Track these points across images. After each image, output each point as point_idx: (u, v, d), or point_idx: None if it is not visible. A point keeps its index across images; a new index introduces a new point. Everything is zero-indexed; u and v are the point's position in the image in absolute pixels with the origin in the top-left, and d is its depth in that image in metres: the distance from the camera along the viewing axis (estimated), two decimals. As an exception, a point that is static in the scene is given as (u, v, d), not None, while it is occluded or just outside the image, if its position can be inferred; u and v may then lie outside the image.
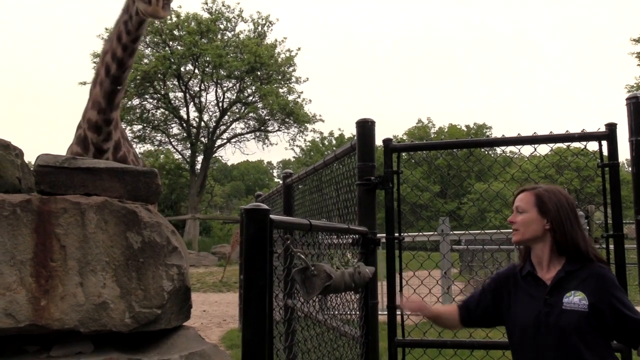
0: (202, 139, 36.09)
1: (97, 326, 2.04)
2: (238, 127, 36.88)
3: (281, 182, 6.42)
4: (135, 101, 33.67)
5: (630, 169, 3.35)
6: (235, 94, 35.50)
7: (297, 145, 44.30)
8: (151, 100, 34.87)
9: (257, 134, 37.12)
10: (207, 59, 32.82)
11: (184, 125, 35.75)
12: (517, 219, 2.56)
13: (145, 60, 32.27)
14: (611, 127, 3.46)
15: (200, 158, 36.49)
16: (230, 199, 66.20)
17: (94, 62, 30.50)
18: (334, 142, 58.15)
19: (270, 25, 35.63)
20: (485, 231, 8.08)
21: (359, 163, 3.61)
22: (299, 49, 36.48)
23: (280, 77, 35.55)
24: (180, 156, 37.82)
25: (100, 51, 3.49)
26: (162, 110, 35.43)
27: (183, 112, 35.62)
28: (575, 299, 2.37)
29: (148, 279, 2.11)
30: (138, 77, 31.15)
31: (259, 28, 35.65)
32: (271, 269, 1.86)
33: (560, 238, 2.47)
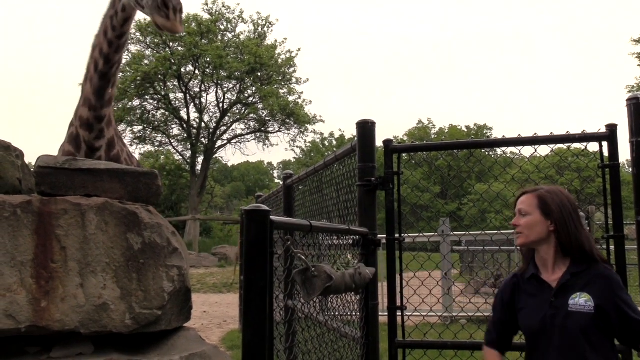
0: (203, 139, 36.11)
1: (97, 327, 2.04)
2: (238, 128, 36.95)
3: (282, 183, 6.42)
4: (136, 102, 33.72)
5: (630, 169, 3.35)
6: (235, 95, 35.54)
7: (297, 146, 44.32)
8: (151, 101, 34.91)
9: (258, 134, 37.15)
10: (208, 59, 32.85)
11: (185, 126, 35.77)
12: (521, 221, 2.55)
13: (146, 61, 32.31)
14: (612, 128, 3.46)
15: (200, 159, 36.54)
16: (230, 199, 66.21)
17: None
18: (334, 143, 58.18)
19: (270, 26, 35.69)
20: (486, 232, 8.07)
21: (360, 164, 3.61)
22: (299, 49, 36.56)
23: (280, 78, 35.58)
24: (180, 157, 37.87)
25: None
26: (163, 111, 35.46)
27: (183, 113, 35.68)
28: (581, 301, 2.37)
29: (148, 280, 2.11)
30: (138, 78, 31.18)
31: (259, 29, 35.70)
32: (271, 270, 1.86)
33: (565, 239, 2.46)
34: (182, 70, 33.48)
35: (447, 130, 56.71)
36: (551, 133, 3.58)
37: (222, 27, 34.78)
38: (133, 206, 2.16)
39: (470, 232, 9.77)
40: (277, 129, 36.79)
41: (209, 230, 38.57)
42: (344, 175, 4.10)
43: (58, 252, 2.02)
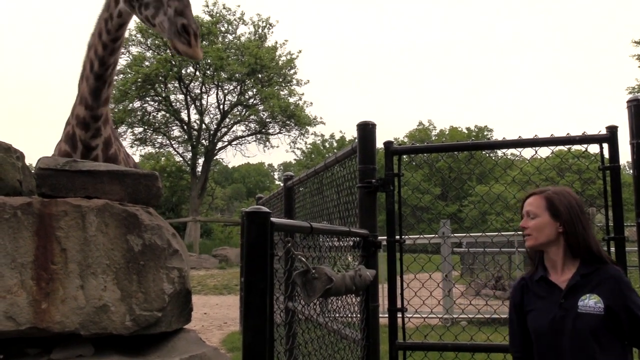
0: (203, 141, 36.10)
1: (97, 329, 2.04)
2: (239, 129, 36.93)
3: (282, 184, 6.42)
4: (136, 104, 33.70)
5: (631, 171, 3.35)
6: (236, 97, 35.52)
7: (298, 148, 44.38)
8: (152, 103, 34.89)
9: (258, 136, 37.14)
10: (208, 61, 32.84)
11: (185, 127, 35.77)
12: (529, 224, 2.53)
13: (147, 63, 32.31)
14: (612, 130, 3.46)
15: (201, 160, 36.51)
16: (231, 201, 66.20)
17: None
18: (335, 144, 58.13)
19: (270, 27, 35.69)
20: (487, 234, 8.08)
21: (360, 165, 3.61)
22: (300, 51, 36.61)
23: (281, 80, 35.59)
24: (181, 159, 37.84)
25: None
26: (163, 112, 35.45)
27: (184, 115, 35.66)
28: (591, 302, 2.35)
29: (149, 281, 2.11)
30: (139, 79, 31.18)
31: (260, 30, 35.70)
32: (272, 272, 1.86)
33: (573, 240, 2.45)
34: (183, 71, 33.47)
35: (447, 132, 56.66)
36: (552, 135, 3.58)
37: (222, 29, 34.79)
38: (133, 208, 2.16)
39: (471, 234, 9.76)
40: (277, 131, 36.79)
41: (209, 232, 38.54)
42: (345, 176, 4.10)
43: (58, 254, 2.02)
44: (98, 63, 3.15)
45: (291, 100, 35.41)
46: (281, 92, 35.20)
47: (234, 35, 35.40)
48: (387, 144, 3.78)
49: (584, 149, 3.68)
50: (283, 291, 3.72)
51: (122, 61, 31.68)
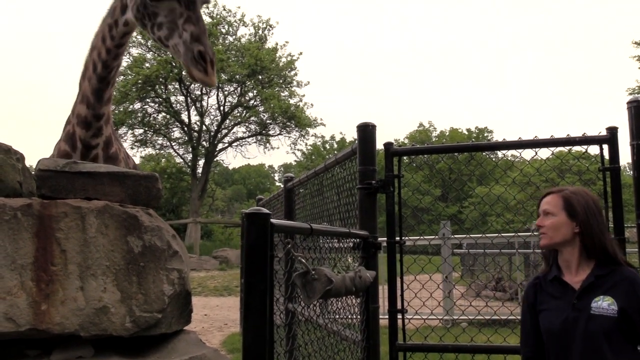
0: (204, 142, 36.13)
1: (97, 330, 2.04)
2: (239, 131, 36.97)
3: (282, 186, 6.42)
4: (137, 105, 33.73)
5: (631, 172, 3.35)
6: (236, 98, 35.55)
7: (298, 149, 44.35)
8: (152, 104, 34.92)
9: (259, 137, 37.17)
10: (209, 62, 32.80)
11: (186, 129, 35.79)
12: (545, 222, 2.51)
13: (147, 65, 32.33)
14: (612, 131, 3.46)
15: (201, 162, 36.54)
16: (231, 202, 66.21)
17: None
18: (335, 145, 58.15)
19: (270, 28, 35.72)
20: (487, 235, 8.08)
21: (360, 167, 3.61)
22: (301, 53, 36.58)
23: (281, 81, 35.61)
24: (181, 160, 37.87)
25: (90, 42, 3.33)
26: (164, 114, 35.48)
27: (184, 116, 35.70)
28: (604, 304, 2.33)
29: (149, 283, 2.11)
30: (140, 81, 31.21)
31: (260, 32, 35.73)
32: (272, 273, 1.86)
33: (589, 241, 2.43)
34: (183, 73, 33.49)
35: (447, 133, 56.69)
36: (552, 136, 3.58)
37: (223, 30, 34.82)
38: (133, 209, 2.16)
39: (471, 235, 9.76)
40: (278, 132, 36.81)
41: (210, 233, 38.55)
42: (345, 178, 4.10)
43: (58, 255, 2.02)
44: (101, 66, 3.13)
45: (291, 101, 35.46)
46: (281, 94, 35.23)
47: (234, 36, 35.44)
48: (387, 145, 3.78)
49: (584, 150, 3.68)
50: (283, 292, 3.72)
51: (123, 62, 31.62)
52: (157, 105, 34.99)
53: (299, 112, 34.98)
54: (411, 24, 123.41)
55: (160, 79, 32.60)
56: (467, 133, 56.58)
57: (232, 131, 36.90)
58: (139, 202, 2.25)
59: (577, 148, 3.69)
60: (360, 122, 3.66)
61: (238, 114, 36.17)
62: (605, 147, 3.46)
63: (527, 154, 3.76)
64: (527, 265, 15.69)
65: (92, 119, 3.17)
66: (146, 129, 35.36)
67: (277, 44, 35.55)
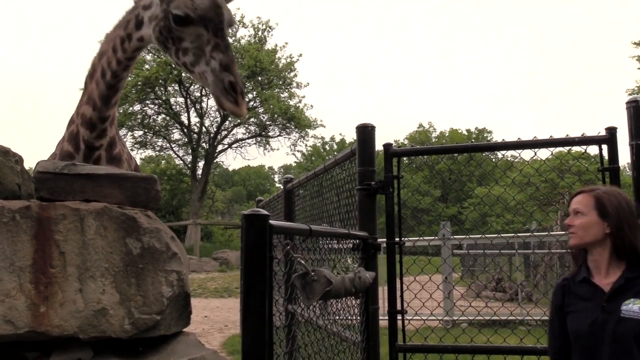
0: (203, 144, 36.13)
1: (96, 332, 2.03)
2: (239, 132, 36.99)
3: (282, 187, 6.41)
4: (137, 107, 33.73)
5: (630, 172, 3.35)
6: (236, 99, 35.50)
7: (298, 151, 44.32)
8: (152, 106, 34.93)
9: (258, 139, 37.17)
10: (208, 64, 32.80)
11: (185, 130, 35.79)
12: (576, 222, 2.46)
13: (147, 66, 32.34)
14: (611, 131, 3.46)
15: (201, 163, 36.55)
16: (231, 204, 66.25)
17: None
18: (335, 147, 58.19)
19: (270, 30, 35.74)
20: (487, 235, 8.07)
21: (359, 168, 3.60)
22: (300, 55, 36.60)
23: (281, 82, 35.63)
24: (181, 162, 37.88)
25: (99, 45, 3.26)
26: (163, 115, 35.49)
27: (184, 118, 35.70)
28: (635, 307, 2.29)
29: (147, 285, 2.11)
30: (139, 82, 31.21)
31: (259, 33, 35.75)
32: (271, 275, 1.85)
33: (620, 242, 2.38)
34: (183, 74, 33.49)
35: (447, 134, 56.73)
36: (551, 136, 3.58)
37: (222, 32, 34.78)
38: (132, 211, 2.16)
39: (471, 236, 9.75)
40: (277, 133, 36.82)
41: (210, 235, 38.56)
42: (344, 179, 4.10)
43: (57, 257, 2.02)
44: (111, 74, 3.08)
45: (291, 102, 35.47)
46: (281, 95, 35.24)
47: (233, 38, 35.43)
48: (387, 146, 3.78)
49: (583, 151, 3.68)
50: (283, 294, 3.72)
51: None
52: (156, 107, 35.01)
53: (298, 113, 35.00)
54: (411, 25, 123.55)
55: (160, 81, 32.60)
56: (466, 133, 56.64)
57: (231, 132, 36.94)
58: (138, 204, 2.25)
59: (576, 148, 3.69)
60: (360, 123, 3.65)
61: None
62: (605, 147, 3.46)
63: (527, 154, 3.76)
64: (526, 265, 15.69)
65: (97, 121, 3.12)
66: (146, 130, 35.37)
67: (276, 45, 35.60)
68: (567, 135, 3.56)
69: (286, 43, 37.11)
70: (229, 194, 67.49)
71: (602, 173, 3.46)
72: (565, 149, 3.78)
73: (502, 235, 9.10)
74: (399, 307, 3.70)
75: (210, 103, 35.64)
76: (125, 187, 2.25)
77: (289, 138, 37.11)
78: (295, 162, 56.93)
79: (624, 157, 3.56)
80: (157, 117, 35.60)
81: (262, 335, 1.76)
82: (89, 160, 3.14)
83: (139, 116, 34.27)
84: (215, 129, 36.05)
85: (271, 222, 1.86)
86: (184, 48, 2.71)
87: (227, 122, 35.96)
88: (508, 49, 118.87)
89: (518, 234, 10.55)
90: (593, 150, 3.58)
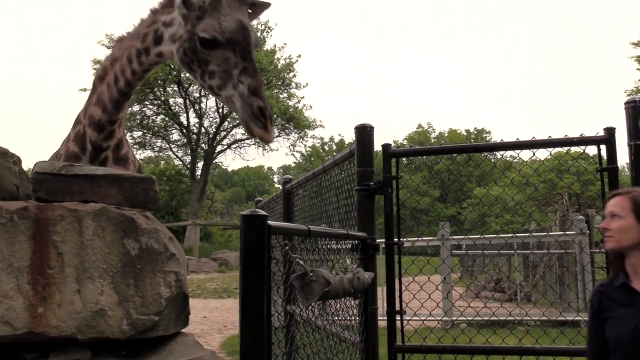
0: (203, 145, 36.12)
1: (94, 333, 2.03)
2: (238, 132, 36.93)
3: (281, 187, 6.41)
4: (136, 107, 33.71)
5: (629, 172, 3.35)
6: (235, 100, 35.50)
7: (297, 151, 44.36)
8: (151, 107, 34.92)
9: (258, 139, 37.11)
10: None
11: (184, 131, 35.79)
12: (612, 225, 2.41)
13: (146, 67, 32.29)
14: (610, 132, 3.46)
15: (200, 164, 36.54)
16: (230, 204, 66.24)
17: (94, 69, 30.49)
18: (334, 147, 58.22)
19: (269, 30, 35.73)
20: (485, 236, 8.08)
21: (358, 168, 3.60)
22: (300, 56, 36.57)
23: (280, 83, 35.63)
24: (180, 162, 37.87)
25: (107, 50, 3.26)
26: (162, 116, 35.48)
27: (183, 118, 35.69)
28: None
29: (145, 285, 2.10)
30: (138, 83, 31.19)
31: (258, 33, 35.73)
32: (269, 275, 1.85)
33: None
34: (182, 75, 33.49)
35: (446, 134, 56.77)
36: (549, 136, 3.58)
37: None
38: (130, 212, 2.16)
39: (470, 236, 9.76)
40: (276, 134, 36.80)
41: (209, 236, 38.54)
42: (343, 179, 4.10)
43: (55, 258, 2.02)
44: (124, 82, 3.03)
45: (290, 103, 35.47)
46: (280, 96, 35.23)
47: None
48: (385, 147, 3.77)
49: (582, 151, 3.68)
50: (281, 294, 3.72)
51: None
52: (155, 107, 35.00)
53: (297, 114, 35.00)
54: (411, 25, 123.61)
55: (159, 81, 32.59)
56: (465, 134, 56.67)
57: (230, 133, 36.92)
58: (136, 205, 2.25)
59: (575, 149, 3.70)
60: (358, 124, 3.65)
61: (237, 116, 36.14)
62: (603, 147, 3.46)
63: (525, 154, 3.76)
64: (525, 266, 15.70)
65: (106, 123, 3.07)
66: (145, 131, 35.37)
67: (275, 45, 35.59)
68: (565, 135, 3.56)
69: (285, 44, 37.15)
70: (228, 194, 67.48)
71: (601, 173, 3.46)
72: (564, 149, 3.78)
73: (501, 235, 9.11)
74: (397, 307, 3.70)
75: (210, 103, 35.66)
76: (123, 187, 2.24)
77: (288, 138, 37.14)
78: (294, 162, 57.02)
79: (623, 157, 3.57)
80: (156, 117, 35.61)
81: (260, 336, 1.76)
82: (96, 161, 3.10)
83: (138, 117, 34.27)
84: (214, 130, 36.05)
85: (270, 222, 1.86)
86: (210, 71, 2.64)
87: (226, 123, 35.96)
88: (507, 49, 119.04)
89: (517, 234, 10.56)
90: (592, 150, 3.59)
